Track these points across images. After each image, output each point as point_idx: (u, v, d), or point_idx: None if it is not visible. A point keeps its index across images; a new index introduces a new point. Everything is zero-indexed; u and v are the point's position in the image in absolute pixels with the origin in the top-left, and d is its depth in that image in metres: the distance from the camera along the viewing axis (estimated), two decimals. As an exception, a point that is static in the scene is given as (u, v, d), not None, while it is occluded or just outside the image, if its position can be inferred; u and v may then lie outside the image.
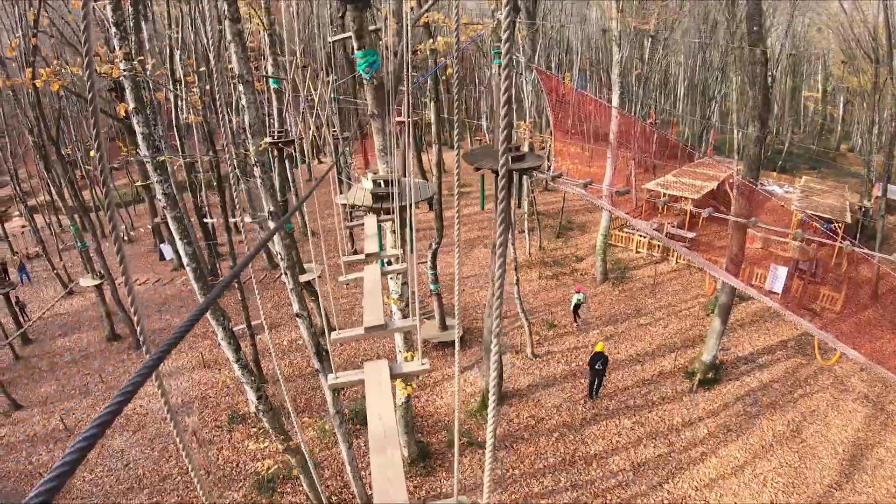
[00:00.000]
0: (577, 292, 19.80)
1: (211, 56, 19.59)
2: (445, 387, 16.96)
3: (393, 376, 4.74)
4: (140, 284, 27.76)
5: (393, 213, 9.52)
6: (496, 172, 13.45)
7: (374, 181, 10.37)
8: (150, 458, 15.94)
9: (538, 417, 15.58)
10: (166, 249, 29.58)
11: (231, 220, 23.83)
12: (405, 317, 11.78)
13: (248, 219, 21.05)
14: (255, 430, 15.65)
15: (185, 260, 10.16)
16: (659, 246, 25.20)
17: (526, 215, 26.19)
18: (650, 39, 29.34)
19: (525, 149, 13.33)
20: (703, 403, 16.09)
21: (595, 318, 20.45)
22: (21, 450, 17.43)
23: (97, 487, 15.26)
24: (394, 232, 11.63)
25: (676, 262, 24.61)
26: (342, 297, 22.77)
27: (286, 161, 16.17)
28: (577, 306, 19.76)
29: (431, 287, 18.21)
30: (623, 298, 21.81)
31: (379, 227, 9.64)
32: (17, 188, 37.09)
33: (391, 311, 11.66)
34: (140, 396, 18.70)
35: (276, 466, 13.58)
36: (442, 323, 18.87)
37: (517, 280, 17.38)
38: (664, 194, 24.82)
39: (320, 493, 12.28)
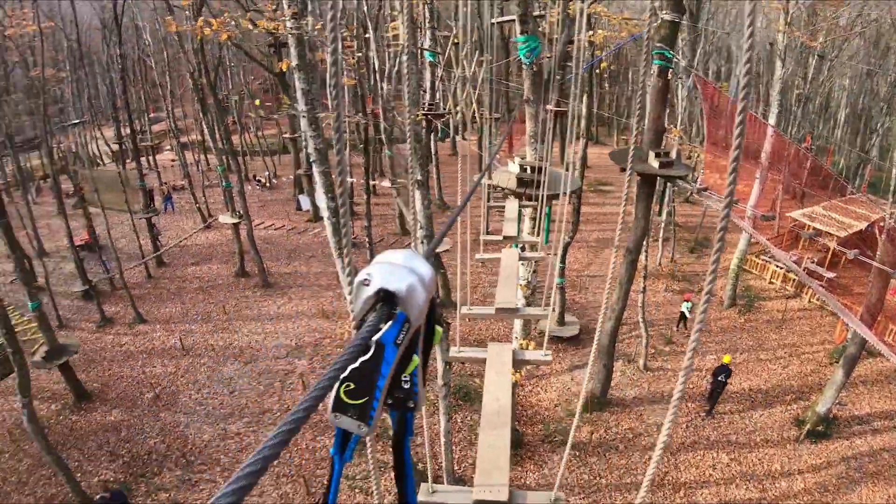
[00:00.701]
0: (686, 300, 19.48)
1: (370, 24, 20.21)
2: (552, 381, 16.84)
3: (514, 361, 4.76)
4: (276, 230, 29.50)
5: (536, 200, 9.51)
6: (641, 176, 13.12)
7: (522, 166, 10.40)
8: (255, 390, 16.93)
9: (636, 432, 15.16)
10: (304, 200, 31.21)
11: (371, 182, 24.60)
12: (529, 304, 11.79)
13: (386, 183, 21.70)
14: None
15: (326, 214, 10.55)
16: (794, 280, 23.64)
17: (663, 224, 25.34)
18: (816, 58, 27.42)
19: (673, 155, 12.91)
20: (806, 456, 14.97)
21: (715, 343, 19.54)
22: (138, 359, 19.03)
23: (200, 406, 16.43)
24: (533, 219, 11.61)
25: (809, 301, 23.00)
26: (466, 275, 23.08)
27: (432, 134, 16.46)
28: (683, 315, 19.57)
29: (557, 280, 18.11)
30: (747, 328, 20.67)
31: (519, 212, 9.67)
32: (173, 125, 40.03)
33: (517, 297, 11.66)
34: (257, 332, 19.83)
35: (372, 423, 14.02)
36: (561, 317, 18.72)
37: (644, 288, 16.93)
38: (809, 226, 23.23)
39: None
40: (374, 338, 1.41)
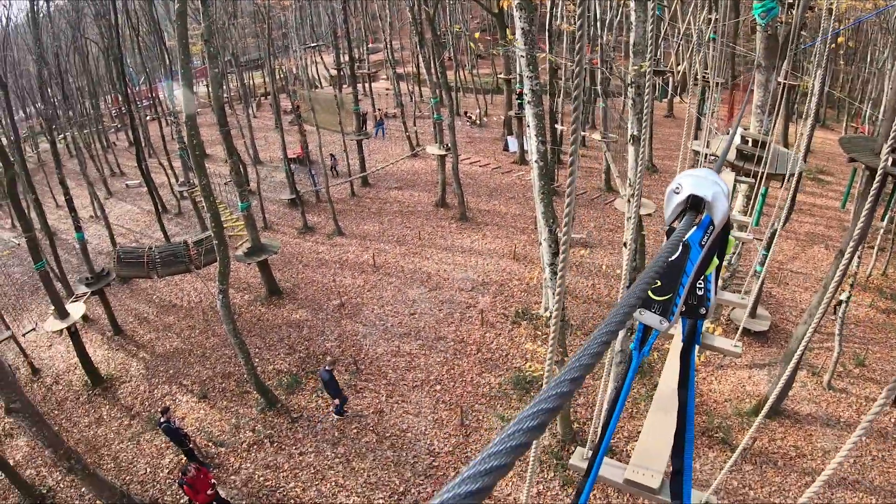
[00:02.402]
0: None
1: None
2: (728, 373, 15.76)
3: (701, 345, 4.53)
4: (481, 167, 30.36)
5: (754, 176, 8.94)
6: (870, 170, 11.71)
7: (744, 138, 9.78)
8: (434, 316, 17.65)
9: (801, 451, 13.47)
10: (512, 142, 31.66)
11: (582, 133, 24.25)
12: (725, 288, 11.19)
13: (597, 136, 21.24)
14: (538, 332, 16.40)
15: (534, 156, 10.58)
16: None
17: (882, 231, 21.80)
18: None
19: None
20: None
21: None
22: (331, 267, 20.68)
23: (380, 321, 17.50)
24: (747, 196, 10.91)
25: None
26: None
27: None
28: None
29: (757, 268, 16.81)
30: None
31: (734, 187, 9.17)
32: (390, 56, 41.93)
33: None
34: (446, 262, 20.73)
35: (540, 373, 14.21)
36: (753, 309, 17.37)
37: (848, 298, 14.99)
38: None
39: (569, 414, 12.70)
40: (683, 238, 1.58)
